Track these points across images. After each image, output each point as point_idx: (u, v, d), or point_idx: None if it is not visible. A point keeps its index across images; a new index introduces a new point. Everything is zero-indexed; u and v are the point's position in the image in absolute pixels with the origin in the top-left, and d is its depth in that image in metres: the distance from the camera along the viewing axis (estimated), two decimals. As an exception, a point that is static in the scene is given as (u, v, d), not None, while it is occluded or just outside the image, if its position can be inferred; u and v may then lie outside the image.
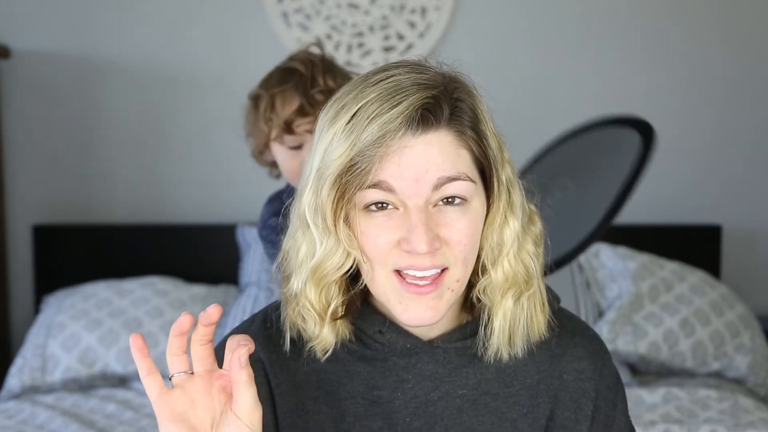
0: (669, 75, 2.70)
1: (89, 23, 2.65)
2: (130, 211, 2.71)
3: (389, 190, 0.80)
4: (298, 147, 1.42)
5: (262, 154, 1.50)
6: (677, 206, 2.73)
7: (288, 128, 1.38)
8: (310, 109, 1.38)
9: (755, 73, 2.70)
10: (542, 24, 2.68)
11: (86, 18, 2.65)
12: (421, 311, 0.82)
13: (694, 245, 2.64)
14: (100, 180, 2.70)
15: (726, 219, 2.72)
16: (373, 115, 0.79)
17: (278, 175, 1.55)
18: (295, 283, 0.86)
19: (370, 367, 0.88)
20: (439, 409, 0.88)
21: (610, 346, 2.20)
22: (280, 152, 1.44)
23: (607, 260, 2.40)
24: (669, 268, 2.39)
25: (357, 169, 0.79)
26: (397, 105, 0.79)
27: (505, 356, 0.87)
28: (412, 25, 2.64)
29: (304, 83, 1.40)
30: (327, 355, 0.87)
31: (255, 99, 1.46)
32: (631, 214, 2.71)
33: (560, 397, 0.91)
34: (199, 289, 2.42)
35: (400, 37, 2.65)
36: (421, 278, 0.81)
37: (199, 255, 2.61)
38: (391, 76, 0.82)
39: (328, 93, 1.34)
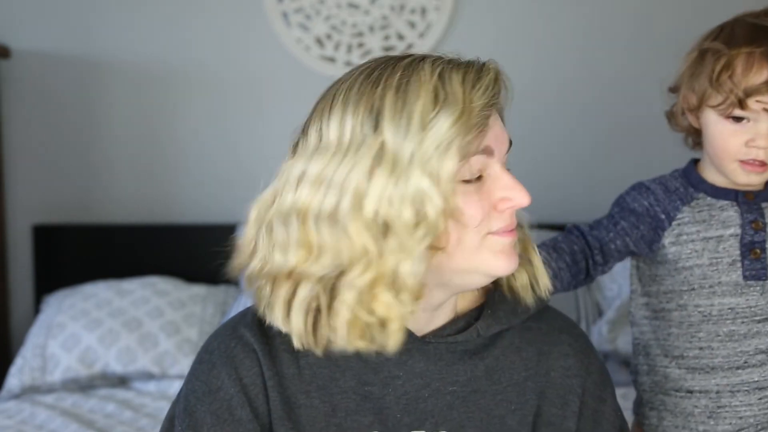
0: (671, 74, 2.69)
1: (89, 23, 2.65)
2: (129, 211, 2.71)
3: (491, 154, 0.84)
4: (740, 120, 1.11)
5: (681, 115, 1.24)
6: (677, 206, 2.72)
7: (743, 101, 1.09)
8: None
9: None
10: (542, 24, 2.68)
11: (86, 18, 2.65)
12: (514, 256, 0.85)
13: (694, 245, 2.63)
14: (100, 180, 2.70)
15: (726, 219, 2.71)
16: (479, 87, 0.82)
17: (694, 145, 1.27)
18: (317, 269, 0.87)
19: (362, 362, 0.89)
20: (430, 406, 0.89)
21: (609, 346, 2.20)
22: (716, 123, 1.15)
23: (607, 260, 2.40)
24: (669, 268, 2.38)
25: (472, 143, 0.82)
26: (486, 76, 0.84)
27: (530, 301, 0.91)
28: (412, 25, 2.64)
29: None
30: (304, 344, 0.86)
31: (705, 52, 1.20)
32: (631, 214, 2.72)
33: (547, 393, 0.92)
34: (199, 289, 2.42)
35: (400, 37, 2.64)
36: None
37: (199, 255, 2.60)
38: (446, 62, 0.84)
39: None
